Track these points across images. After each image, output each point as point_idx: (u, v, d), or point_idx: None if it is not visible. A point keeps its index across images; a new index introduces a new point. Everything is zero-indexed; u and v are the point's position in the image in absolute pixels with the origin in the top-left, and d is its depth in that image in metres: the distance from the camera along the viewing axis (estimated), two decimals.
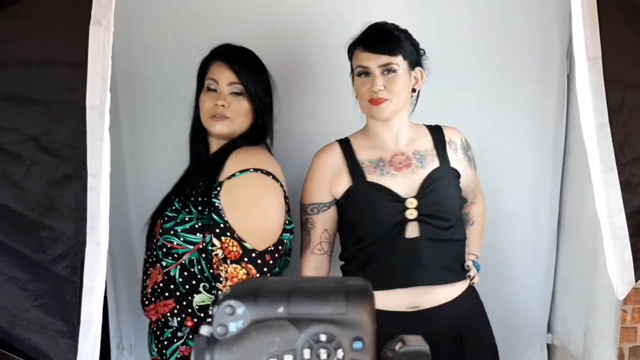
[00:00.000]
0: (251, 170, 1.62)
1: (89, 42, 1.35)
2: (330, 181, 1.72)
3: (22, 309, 1.43)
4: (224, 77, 1.72)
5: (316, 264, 1.74)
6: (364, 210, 1.72)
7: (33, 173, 1.41)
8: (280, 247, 1.64)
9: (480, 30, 2.22)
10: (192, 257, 1.67)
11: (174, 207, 1.70)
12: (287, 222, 1.69)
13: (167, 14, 2.18)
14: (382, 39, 1.70)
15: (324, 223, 1.73)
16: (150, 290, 1.74)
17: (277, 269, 1.68)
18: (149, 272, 1.76)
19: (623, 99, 1.54)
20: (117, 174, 2.07)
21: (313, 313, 0.61)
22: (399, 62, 1.70)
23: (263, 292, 0.62)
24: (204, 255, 1.66)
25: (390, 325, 1.54)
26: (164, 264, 1.69)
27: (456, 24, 2.21)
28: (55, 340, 1.43)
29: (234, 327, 0.61)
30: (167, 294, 1.68)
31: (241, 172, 1.62)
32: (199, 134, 1.80)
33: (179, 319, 1.68)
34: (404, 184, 1.73)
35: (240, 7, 2.19)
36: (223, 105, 1.70)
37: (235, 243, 1.59)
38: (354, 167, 1.73)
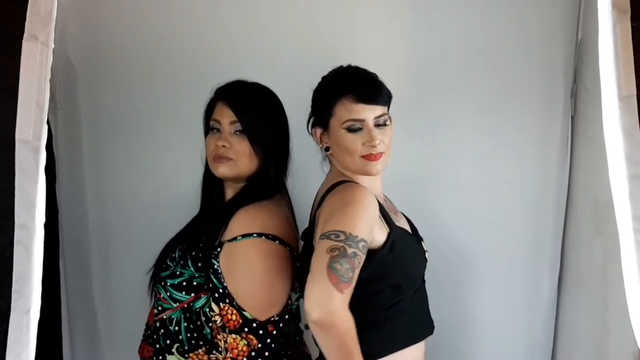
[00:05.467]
0: (254, 235, 1.55)
1: (21, 60, 1.11)
2: (375, 227, 1.49)
3: None
4: (225, 117, 1.65)
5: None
6: (409, 257, 1.58)
7: None
8: (286, 316, 1.59)
9: (479, 71, 2.13)
10: (173, 316, 1.62)
11: (173, 256, 1.67)
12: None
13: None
14: (375, 87, 1.55)
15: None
16: (145, 327, 1.74)
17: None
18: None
19: None
20: (78, 192, 2.11)
21: None
22: (386, 112, 1.57)
23: None
24: (187, 315, 1.61)
25: None
26: (154, 311, 1.68)
27: (456, 63, 2.13)
28: None
29: None
30: (150, 340, 1.68)
31: (243, 236, 1.55)
32: (211, 178, 1.74)
33: None
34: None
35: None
36: (224, 146, 1.64)
37: (235, 311, 1.53)
38: (383, 211, 1.54)
